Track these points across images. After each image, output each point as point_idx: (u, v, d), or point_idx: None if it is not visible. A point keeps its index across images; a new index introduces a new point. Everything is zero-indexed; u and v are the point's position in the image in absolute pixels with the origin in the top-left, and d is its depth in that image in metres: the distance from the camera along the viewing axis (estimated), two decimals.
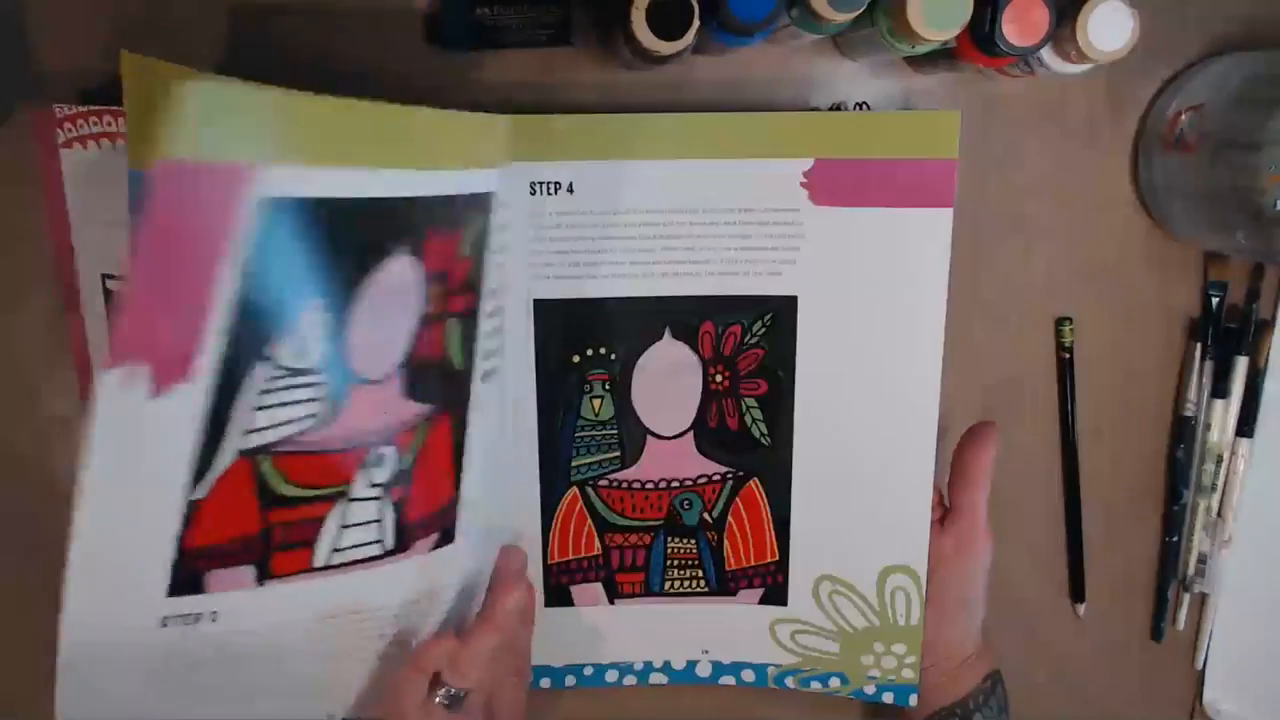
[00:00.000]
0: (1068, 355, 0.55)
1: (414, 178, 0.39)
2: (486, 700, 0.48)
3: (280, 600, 0.42)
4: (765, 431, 0.51)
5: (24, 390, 0.53)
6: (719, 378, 0.50)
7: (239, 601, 0.41)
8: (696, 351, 0.50)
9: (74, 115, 0.48)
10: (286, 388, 0.38)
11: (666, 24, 0.42)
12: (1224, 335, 0.55)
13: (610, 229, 0.48)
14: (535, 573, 0.52)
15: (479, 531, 0.47)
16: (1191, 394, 0.56)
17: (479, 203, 0.44)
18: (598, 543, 0.52)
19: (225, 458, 0.38)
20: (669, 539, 0.52)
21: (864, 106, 0.51)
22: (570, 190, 0.48)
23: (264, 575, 0.41)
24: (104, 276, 0.51)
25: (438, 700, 0.45)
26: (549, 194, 0.48)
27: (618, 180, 0.48)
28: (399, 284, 0.40)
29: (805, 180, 0.47)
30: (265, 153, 0.34)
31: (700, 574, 0.53)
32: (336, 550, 0.42)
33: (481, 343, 0.46)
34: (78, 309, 0.51)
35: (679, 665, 0.54)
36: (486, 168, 0.44)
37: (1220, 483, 0.56)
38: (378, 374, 0.40)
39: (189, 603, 0.40)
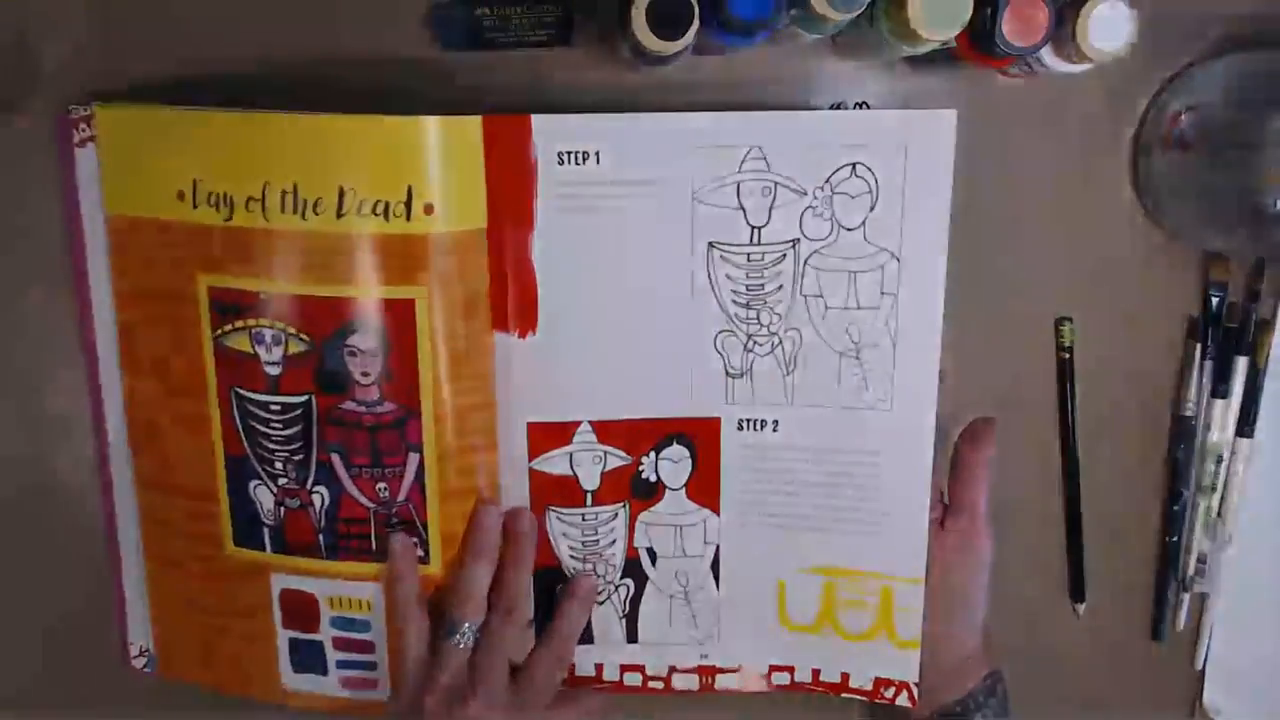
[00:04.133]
0: (1068, 355, 0.55)
1: None
2: (518, 671, 0.50)
3: None
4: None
5: (29, 389, 0.53)
6: None
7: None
8: None
9: (89, 116, 0.49)
10: None
11: (666, 24, 0.42)
12: (1224, 335, 0.55)
13: None
14: None
15: None
16: (1191, 394, 0.56)
17: None
18: None
19: None
20: None
21: (864, 106, 0.51)
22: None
23: None
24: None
25: (453, 641, 0.48)
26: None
27: None
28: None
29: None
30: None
31: None
32: None
33: None
34: (88, 307, 0.51)
35: None
36: None
37: (1220, 483, 0.56)
38: None
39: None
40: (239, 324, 0.49)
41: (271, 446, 0.50)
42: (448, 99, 0.50)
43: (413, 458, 0.50)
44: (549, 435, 0.51)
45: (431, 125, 0.46)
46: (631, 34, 0.42)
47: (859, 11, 0.42)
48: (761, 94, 0.51)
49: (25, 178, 0.51)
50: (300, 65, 0.50)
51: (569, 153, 0.47)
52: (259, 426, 0.50)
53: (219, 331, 0.49)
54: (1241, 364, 0.55)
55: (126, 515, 0.53)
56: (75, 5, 0.49)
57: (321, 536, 0.51)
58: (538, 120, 0.47)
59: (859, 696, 0.53)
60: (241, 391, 0.50)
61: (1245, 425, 0.56)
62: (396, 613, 0.50)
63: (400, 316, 0.48)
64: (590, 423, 0.51)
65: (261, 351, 0.49)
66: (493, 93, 0.50)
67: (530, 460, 0.52)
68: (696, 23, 0.42)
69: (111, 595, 0.55)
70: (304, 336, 0.48)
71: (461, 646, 0.48)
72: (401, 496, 0.50)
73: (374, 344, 0.48)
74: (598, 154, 0.47)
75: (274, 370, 0.49)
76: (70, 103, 0.49)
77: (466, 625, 0.48)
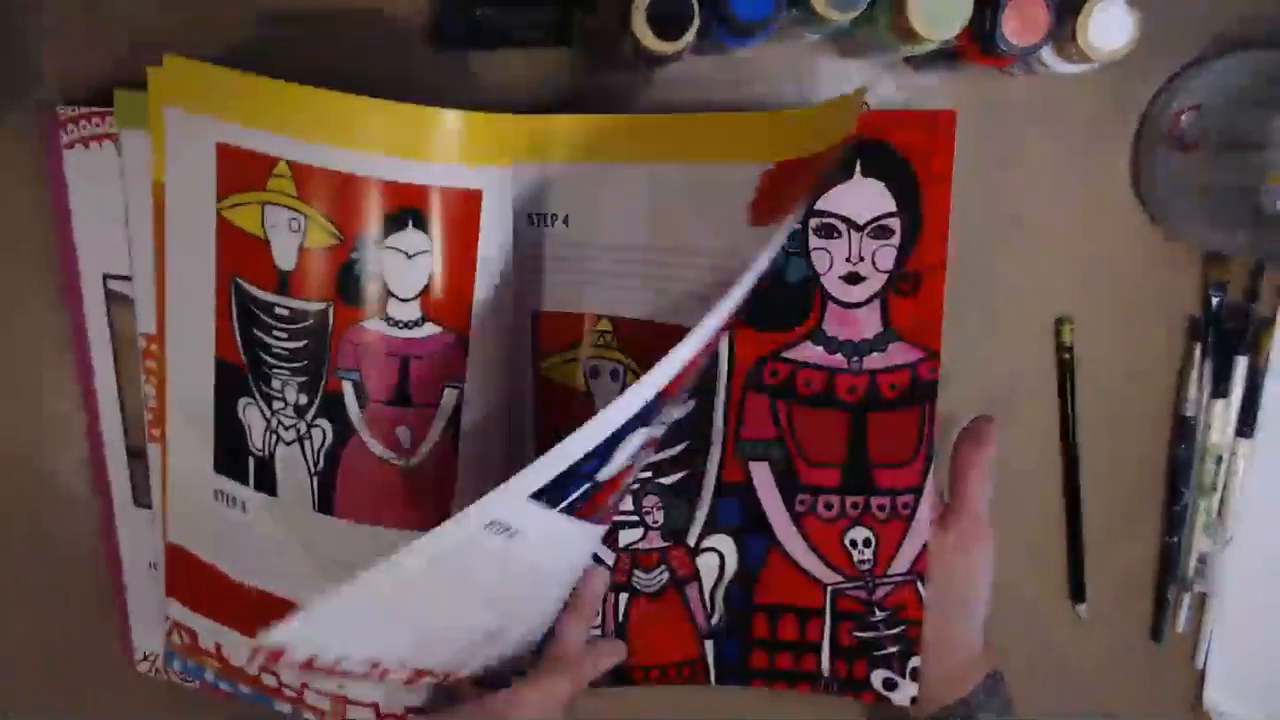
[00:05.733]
0: (1068, 355, 0.55)
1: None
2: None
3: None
4: None
5: (24, 389, 0.53)
6: None
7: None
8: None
9: (78, 116, 0.49)
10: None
11: (666, 24, 0.42)
12: (1224, 335, 0.55)
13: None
14: None
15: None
16: (1191, 394, 0.56)
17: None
18: None
19: None
20: None
21: (864, 106, 0.51)
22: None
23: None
24: (105, 276, 0.51)
25: None
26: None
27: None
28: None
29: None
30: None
31: None
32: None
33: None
34: (79, 309, 0.51)
35: None
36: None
37: (1220, 483, 0.56)
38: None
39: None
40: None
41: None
42: (448, 99, 0.50)
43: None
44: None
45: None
46: (631, 34, 0.42)
47: (859, 11, 0.42)
48: (762, 94, 0.51)
49: (16, 180, 0.51)
50: (300, 62, 0.50)
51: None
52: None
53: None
54: (1241, 364, 0.55)
55: (126, 517, 0.53)
56: (70, 5, 0.49)
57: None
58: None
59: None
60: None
61: (1245, 425, 0.56)
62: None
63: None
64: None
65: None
66: (492, 92, 0.50)
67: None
68: (696, 23, 0.42)
69: (112, 598, 0.55)
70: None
71: None
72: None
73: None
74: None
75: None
76: (59, 104, 0.49)
77: None
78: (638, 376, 0.40)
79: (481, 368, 0.44)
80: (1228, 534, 0.57)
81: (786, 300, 0.46)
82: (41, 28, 0.49)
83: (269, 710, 0.53)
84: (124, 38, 0.49)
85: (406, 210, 0.41)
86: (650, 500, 0.47)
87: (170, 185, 0.44)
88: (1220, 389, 0.55)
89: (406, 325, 0.42)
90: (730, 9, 0.41)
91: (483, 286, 0.43)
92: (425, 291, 0.42)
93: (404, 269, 0.41)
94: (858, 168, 0.46)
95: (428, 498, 0.45)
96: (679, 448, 0.47)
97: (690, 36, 0.42)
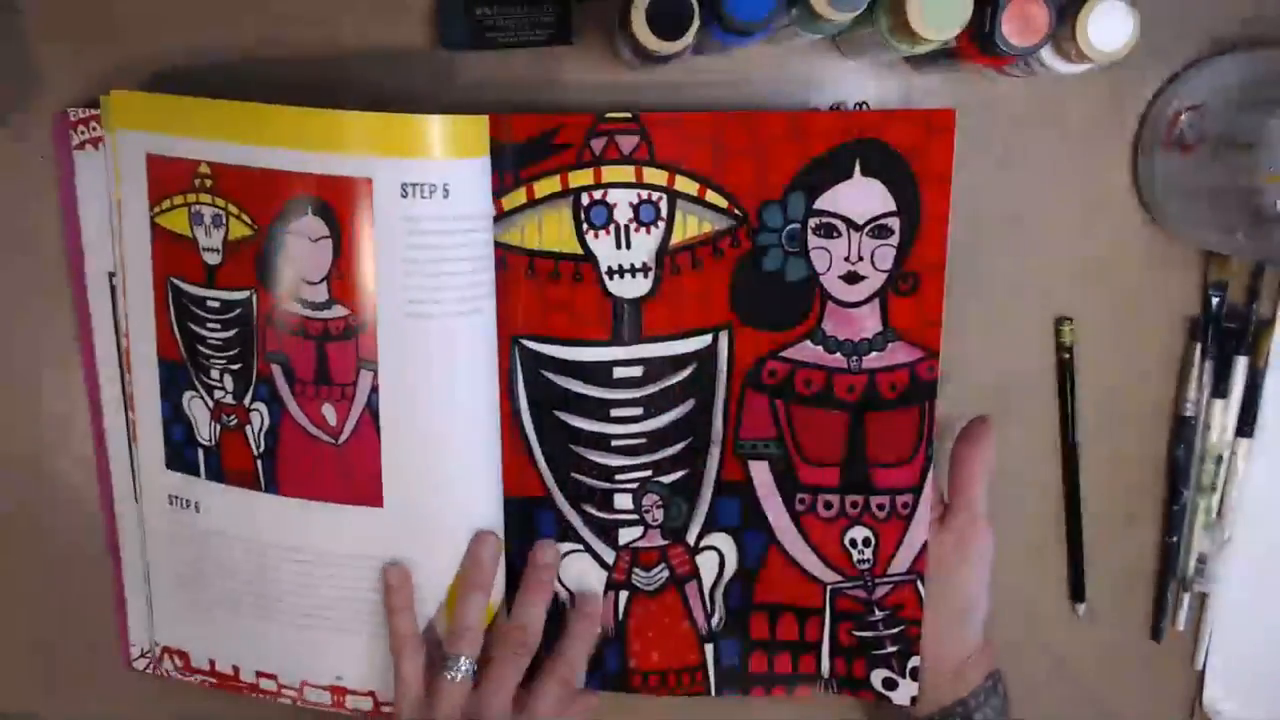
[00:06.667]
0: (1068, 355, 0.55)
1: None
2: (521, 697, 0.47)
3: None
4: None
5: (28, 390, 0.53)
6: None
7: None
8: None
9: (88, 118, 0.49)
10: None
11: (666, 24, 0.42)
12: (1224, 335, 0.55)
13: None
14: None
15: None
16: (1191, 394, 0.56)
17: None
18: None
19: None
20: None
21: (864, 106, 0.52)
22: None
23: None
24: (109, 275, 0.51)
25: (448, 676, 0.46)
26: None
27: None
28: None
29: None
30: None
31: None
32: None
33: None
34: (84, 308, 0.51)
35: None
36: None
37: (1220, 483, 0.56)
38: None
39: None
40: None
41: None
42: (447, 99, 0.50)
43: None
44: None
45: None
46: (631, 34, 0.42)
47: (859, 11, 0.42)
48: (762, 94, 0.51)
49: (24, 180, 0.51)
50: (301, 64, 0.50)
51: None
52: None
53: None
54: (1241, 364, 0.55)
55: (126, 515, 0.53)
56: (74, 5, 0.49)
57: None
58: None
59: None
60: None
61: (1245, 425, 0.56)
62: (393, 646, 0.47)
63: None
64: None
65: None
66: (492, 92, 0.50)
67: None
68: (696, 23, 0.42)
69: (111, 596, 0.55)
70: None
71: (458, 681, 0.46)
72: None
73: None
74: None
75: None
76: (69, 105, 0.49)
77: (464, 660, 0.46)
78: (239, 220, 0.45)
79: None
80: (1227, 534, 0.57)
81: (786, 300, 0.47)
82: (53, 29, 0.50)
83: (266, 708, 0.53)
84: (134, 37, 0.49)
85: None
86: (650, 499, 0.47)
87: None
88: (1220, 389, 0.55)
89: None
90: (730, 9, 0.41)
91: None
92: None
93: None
94: (857, 167, 0.46)
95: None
96: (679, 446, 0.47)
97: (690, 37, 0.42)
